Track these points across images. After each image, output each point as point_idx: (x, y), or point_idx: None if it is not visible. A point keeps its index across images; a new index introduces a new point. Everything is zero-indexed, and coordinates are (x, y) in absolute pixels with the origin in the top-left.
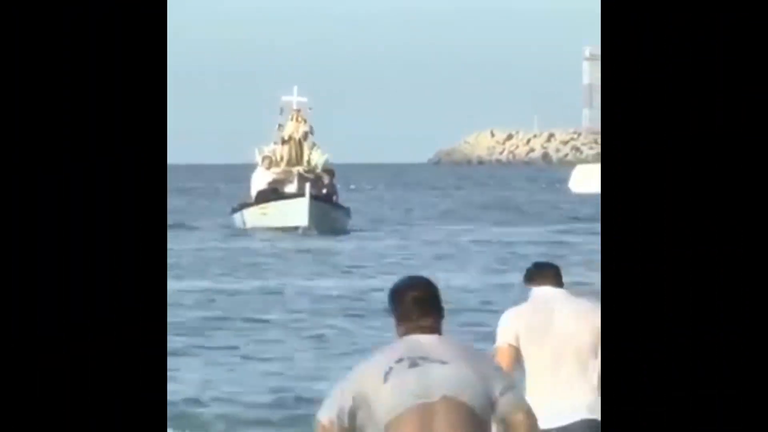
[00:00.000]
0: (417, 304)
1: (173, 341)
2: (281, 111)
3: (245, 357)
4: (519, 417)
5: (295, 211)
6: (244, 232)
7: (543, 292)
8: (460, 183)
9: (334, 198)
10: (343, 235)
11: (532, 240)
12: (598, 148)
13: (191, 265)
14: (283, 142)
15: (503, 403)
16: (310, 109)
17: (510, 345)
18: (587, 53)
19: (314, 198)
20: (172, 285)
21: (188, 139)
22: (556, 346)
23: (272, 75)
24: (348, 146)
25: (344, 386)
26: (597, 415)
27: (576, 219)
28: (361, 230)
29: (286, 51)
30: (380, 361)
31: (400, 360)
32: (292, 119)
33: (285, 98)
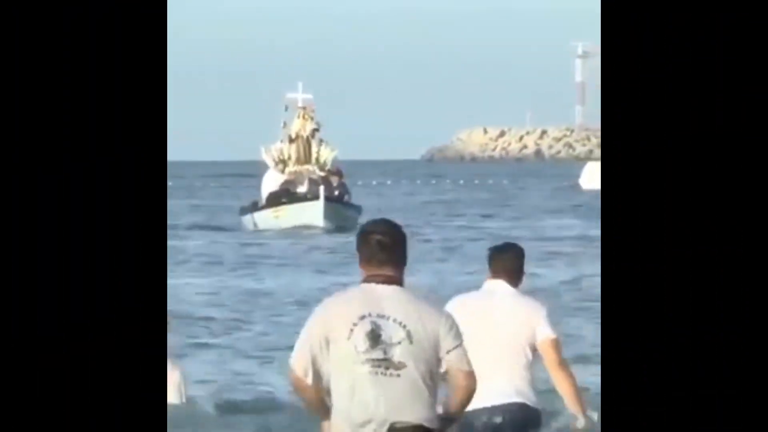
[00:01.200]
0: (381, 247)
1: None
2: (286, 108)
3: None
4: (460, 379)
5: (310, 214)
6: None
7: (492, 286)
8: (457, 180)
9: (346, 197)
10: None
11: (546, 236)
12: (590, 145)
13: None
14: (290, 140)
15: (447, 361)
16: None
17: None
18: (580, 51)
19: (327, 199)
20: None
21: (188, 138)
22: (490, 341)
23: (272, 75)
24: (341, 144)
25: (312, 331)
26: (524, 399)
27: (591, 215)
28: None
29: (285, 51)
30: (345, 311)
31: (362, 317)
32: (298, 117)
33: (290, 95)
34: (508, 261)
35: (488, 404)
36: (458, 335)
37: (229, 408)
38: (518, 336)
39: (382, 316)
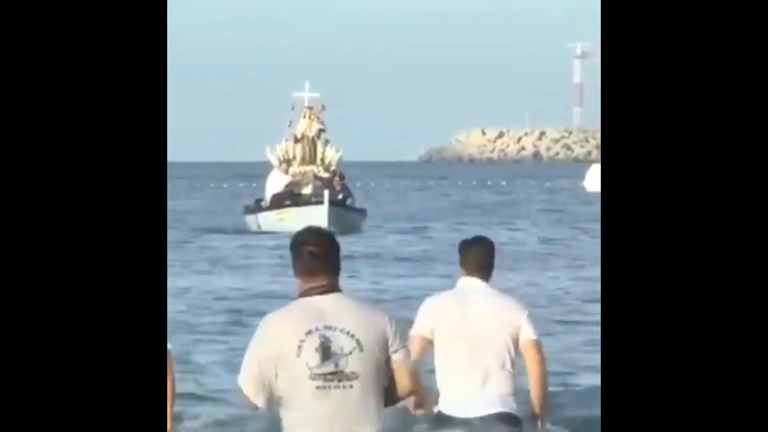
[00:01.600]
0: (313, 257)
1: None
2: (292, 107)
3: None
4: (405, 377)
5: (314, 218)
6: None
7: (467, 283)
8: (454, 182)
9: (349, 201)
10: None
11: (553, 238)
12: (588, 147)
13: None
14: (296, 140)
15: (395, 360)
16: (322, 107)
17: (423, 337)
18: (578, 51)
19: (331, 203)
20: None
21: (188, 138)
22: (470, 340)
23: (272, 75)
24: (338, 145)
25: (259, 353)
26: (508, 408)
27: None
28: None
29: (284, 51)
30: (291, 328)
31: (309, 332)
32: (304, 117)
33: (296, 94)
34: (481, 255)
35: (477, 414)
36: (404, 336)
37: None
38: (501, 337)
39: (329, 328)
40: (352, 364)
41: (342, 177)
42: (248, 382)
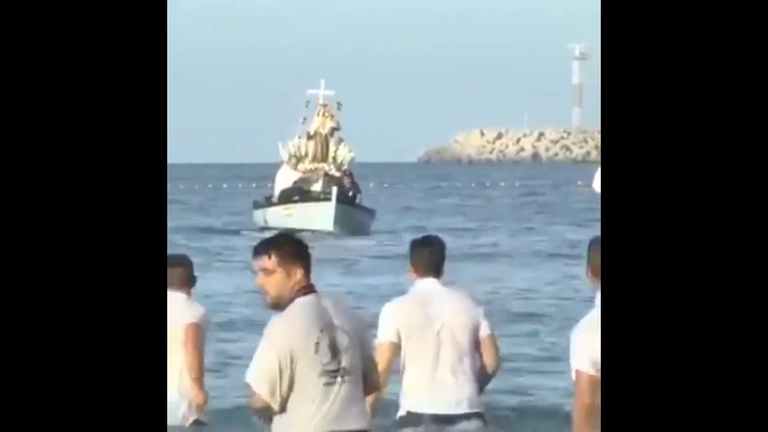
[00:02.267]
0: (308, 258)
1: None
2: (306, 104)
3: None
4: (373, 370)
5: (321, 215)
6: None
7: (423, 285)
8: (453, 183)
9: (358, 198)
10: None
11: (562, 238)
12: (587, 147)
13: None
14: (309, 137)
15: (369, 357)
16: (338, 104)
17: (391, 342)
18: (577, 52)
19: (339, 201)
20: None
21: (188, 138)
22: (436, 340)
23: (272, 75)
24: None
25: (277, 352)
26: (477, 409)
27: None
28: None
29: (285, 51)
30: (305, 327)
31: (322, 330)
32: (318, 114)
33: (311, 91)
34: (434, 256)
35: (447, 412)
36: (372, 335)
37: (241, 409)
38: (465, 335)
39: (331, 326)
40: (347, 360)
41: (351, 176)
42: (263, 383)
